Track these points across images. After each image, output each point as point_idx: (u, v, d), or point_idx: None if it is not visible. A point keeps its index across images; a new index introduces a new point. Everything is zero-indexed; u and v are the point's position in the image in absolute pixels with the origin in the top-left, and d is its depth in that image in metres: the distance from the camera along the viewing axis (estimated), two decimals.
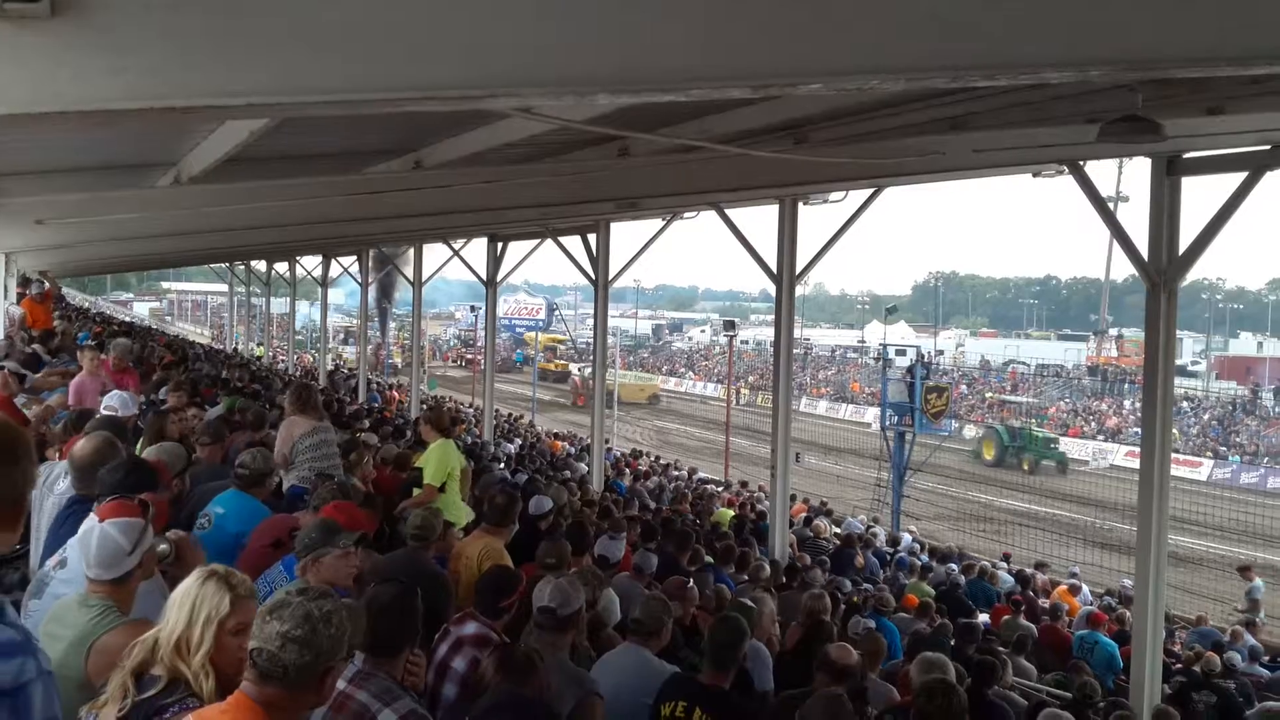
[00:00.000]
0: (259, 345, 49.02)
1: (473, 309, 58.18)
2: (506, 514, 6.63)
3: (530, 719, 3.92)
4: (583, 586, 5.16)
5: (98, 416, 6.29)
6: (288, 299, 41.65)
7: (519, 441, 25.47)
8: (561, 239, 20.24)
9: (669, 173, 11.08)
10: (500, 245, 22.78)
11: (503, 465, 17.24)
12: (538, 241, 22.07)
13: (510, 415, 33.94)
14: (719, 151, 8.58)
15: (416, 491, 8.13)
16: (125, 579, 3.42)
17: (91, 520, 3.52)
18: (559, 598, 4.72)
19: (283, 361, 43.93)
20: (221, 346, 46.80)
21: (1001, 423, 50.75)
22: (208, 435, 7.27)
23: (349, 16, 2.78)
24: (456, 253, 25.37)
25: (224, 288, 62.05)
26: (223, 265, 47.13)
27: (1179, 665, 11.56)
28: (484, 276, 23.14)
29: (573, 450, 25.96)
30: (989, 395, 59.72)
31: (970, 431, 51.54)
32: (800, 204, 14.10)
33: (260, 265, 40.92)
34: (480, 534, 6.62)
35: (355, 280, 33.78)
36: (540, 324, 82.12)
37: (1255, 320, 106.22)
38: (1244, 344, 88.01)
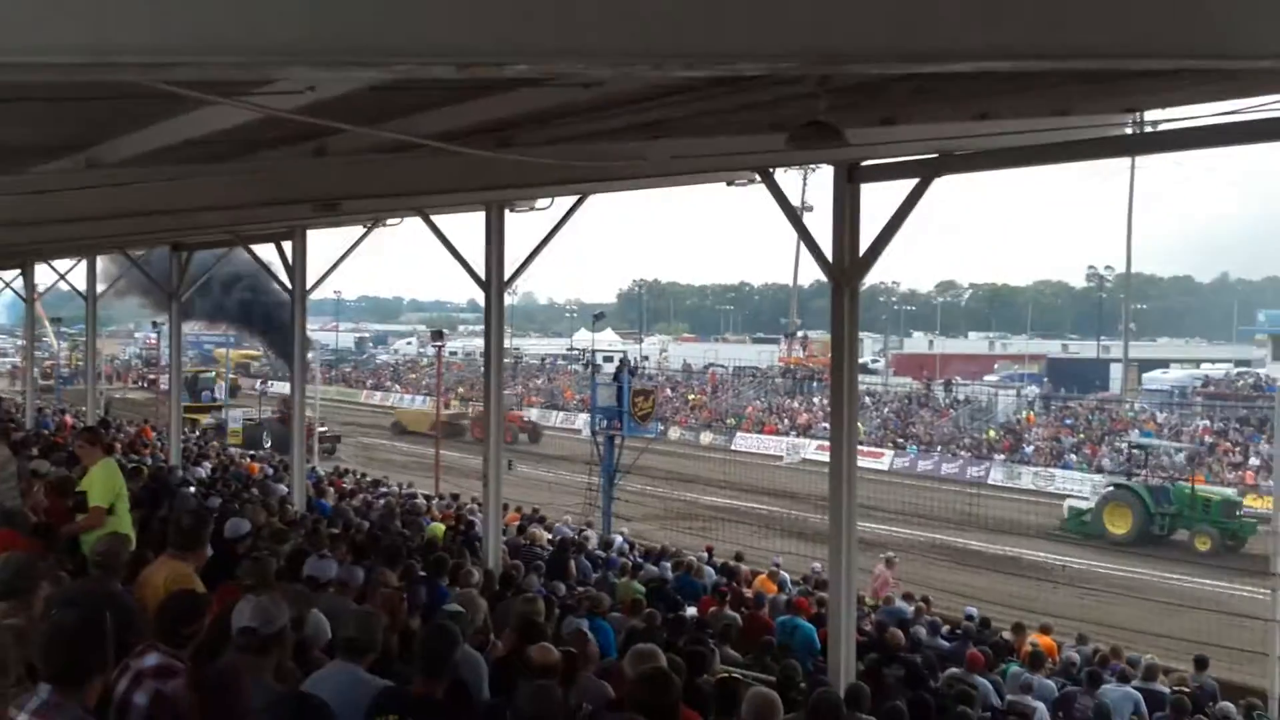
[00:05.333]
0: None
1: (154, 325, 54.26)
2: (193, 537, 6.17)
3: None
4: (287, 606, 4.88)
5: None
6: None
7: (209, 464, 23.99)
8: (254, 247, 19.29)
9: (370, 173, 10.72)
10: (185, 255, 21.42)
11: (193, 489, 16.16)
12: (226, 250, 20.94)
13: (200, 437, 32.03)
14: (422, 146, 8.35)
15: (80, 516, 7.48)
16: None
17: None
18: (260, 617, 4.43)
19: None
20: None
21: (1131, 474, 34.77)
22: None
23: None
24: (135, 263, 23.70)
25: None
26: None
27: (871, 643, 12.32)
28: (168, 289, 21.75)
29: (271, 471, 24.77)
30: (691, 397, 61.99)
31: (676, 433, 53.23)
32: (507, 210, 14.08)
33: None
34: (166, 559, 6.12)
35: (20, 296, 30.94)
36: (231, 340, 77.94)
37: (926, 320, 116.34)
38: (917, 342, 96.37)
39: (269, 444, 41.69)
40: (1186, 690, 12.16)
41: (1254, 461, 39.34)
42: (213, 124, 7.57)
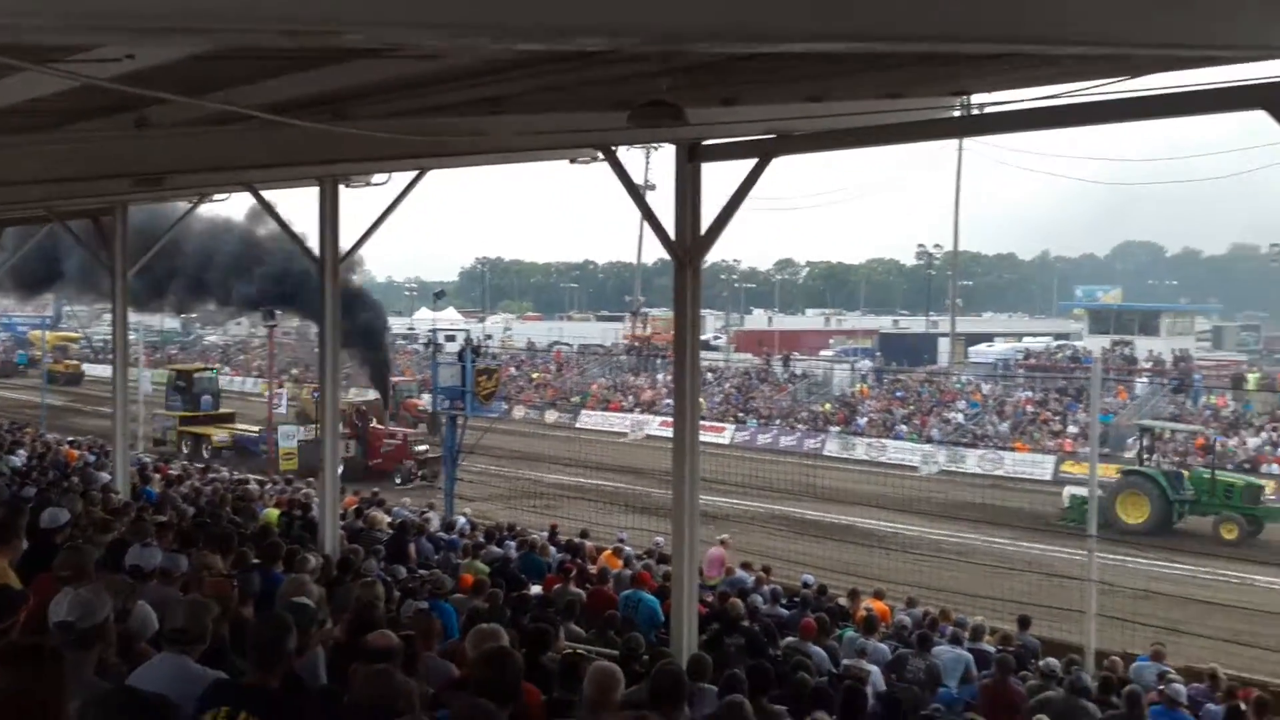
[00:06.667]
0: None
1: None
2: (5, 529, 5.86)
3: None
4: (109, 597, 4.67)
5: None
6: None
7: (24, 453, 22.70)
8: (70, 223, 18.27)
9: (196, 146, 10.27)
10: None
11: (6, 478, 15.28)
12: (41, 228, 19.80)
13: (13, 424, 30.22)
14: (251, 118, 8.04)
15: None
16: None
17: None
18: (79, 610, 4.23)
19: None
20: None
21: (1146, 458, 31.80)
22: None
23: None
24: None
25: None
26: None
27: (713, 613, 12.55)
28: None
29: (92, 458, 23.60)
30: (535, 375, 61.84)
31: (521, 412, 52.94)
32: (342, 186, 13.69)
33: None
34: None
35: None
36: (47, 321, 73.92)
37: (765, 298, 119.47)
38: (757, 319, 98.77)
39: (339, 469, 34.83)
40: (1011, 649, 12.80)
41: (1072, 429, 41.61)
42: (23, 92, 7.13)
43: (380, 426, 36.38)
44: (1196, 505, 29.75)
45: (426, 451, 35.09)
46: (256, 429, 38.44)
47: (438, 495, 28.42)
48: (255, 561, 9.38)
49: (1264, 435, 38.66)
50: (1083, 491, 30.19)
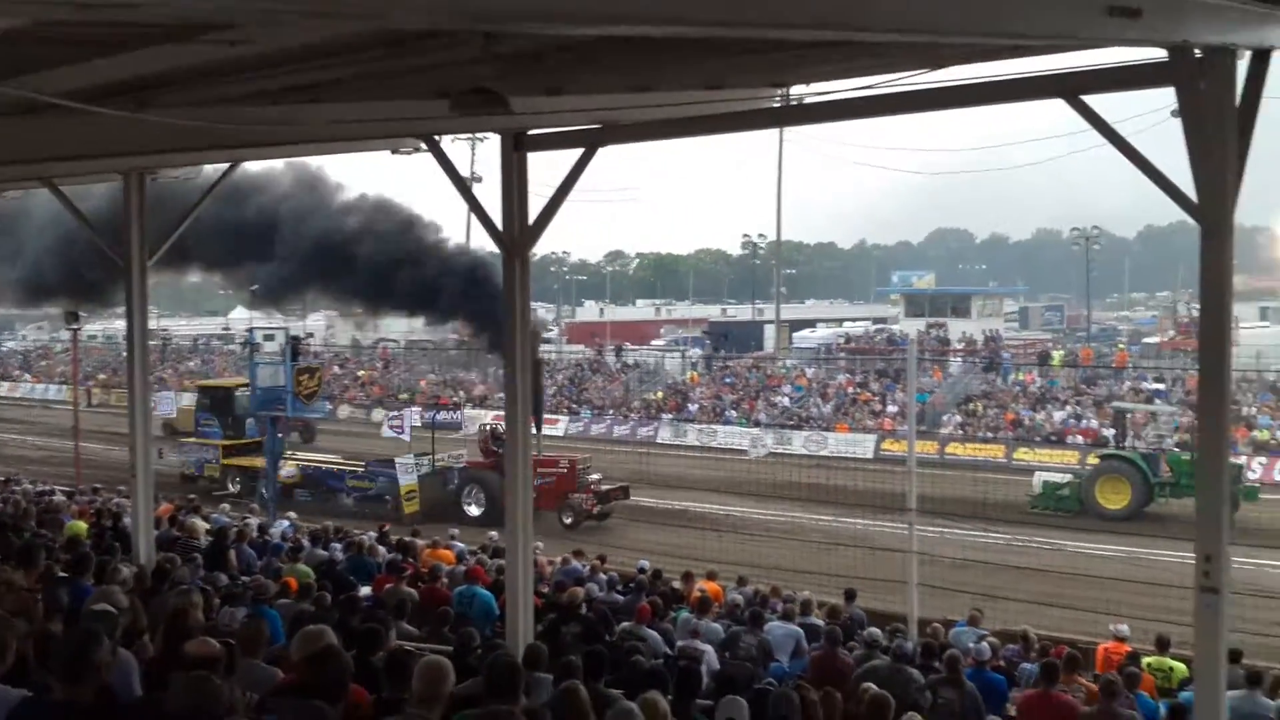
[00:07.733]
0: None
1: None
2: None
3: None
4: None
5: None
6: None
7: None
8: None
9: None
10: None
11: None
12: None
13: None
14: (48, 106, 7.56)
15: None
16: None
17: None
18: None
19: None
20: None
21: (1123, 442, 32.00)
22: None
23: None
24: None
25: None
26: None
27: (549, 603, 12.53)
28: None
29: None
30: (361, 374, 60.47)
31: (346, 411, 51.68)
32: (149, 179, 13.08)
33: None
34: None
35: None
36: None
37: (596, 290, 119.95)
38: (588, 311, 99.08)
39: (474, 507, 28.18)
40: (839, 621, 13.21)
41: (891, 409, 43.26)
42: None
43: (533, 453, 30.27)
44: (1176, 488, 28.31)
45: (600, 482, 29.08)
46: (336, 461, 31.72)
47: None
48: (63, 575, 8.92)
49: (1068, 409, 40.99)
50: (1055, 478, 31.25)
